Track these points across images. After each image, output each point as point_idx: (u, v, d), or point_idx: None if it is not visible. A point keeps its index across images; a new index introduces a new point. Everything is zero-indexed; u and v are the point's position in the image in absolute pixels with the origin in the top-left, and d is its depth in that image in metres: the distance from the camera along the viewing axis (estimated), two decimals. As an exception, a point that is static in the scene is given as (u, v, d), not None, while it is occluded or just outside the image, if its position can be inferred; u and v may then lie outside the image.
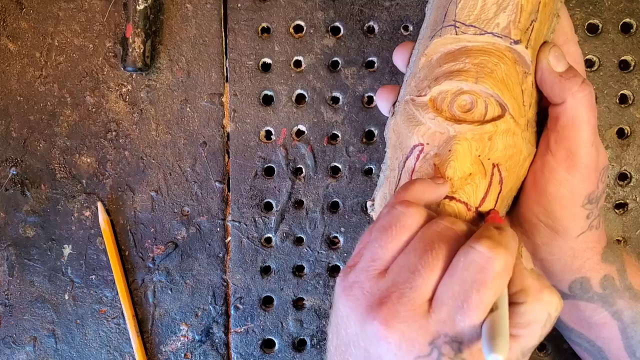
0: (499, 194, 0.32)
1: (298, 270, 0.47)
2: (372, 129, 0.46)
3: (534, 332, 0.26)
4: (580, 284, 0.35)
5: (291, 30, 0.46)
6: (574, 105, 0.31)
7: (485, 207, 0.32)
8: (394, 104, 0.36)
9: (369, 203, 0.38)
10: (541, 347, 0.45)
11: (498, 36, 0.31)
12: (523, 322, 0.26)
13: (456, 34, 0.32)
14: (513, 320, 0.25)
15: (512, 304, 0.26)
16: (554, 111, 0.32)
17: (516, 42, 0.31)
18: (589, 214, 0.33)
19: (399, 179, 0.34)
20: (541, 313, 0.26)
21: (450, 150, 0.31)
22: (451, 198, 0.31)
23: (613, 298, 0.35)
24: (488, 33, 0.31)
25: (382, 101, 0.37)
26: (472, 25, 0.31)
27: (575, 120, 0.31)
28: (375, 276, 0.26)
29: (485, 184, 0.32)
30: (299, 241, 0.47)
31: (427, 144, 0.33)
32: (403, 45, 0.37)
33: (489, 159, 0.32)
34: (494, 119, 0.32)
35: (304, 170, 0.46)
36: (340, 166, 0.46)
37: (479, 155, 0.32)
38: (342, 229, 0.46)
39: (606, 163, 0.34)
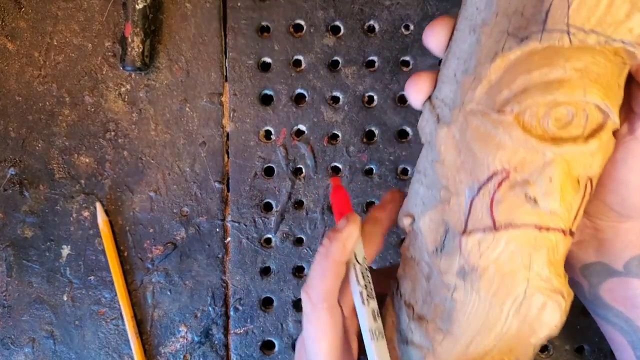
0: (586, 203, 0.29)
1: (298, 271, 0.47)
2: (373, 128, 0.46)
3: None
4: (638, 261, 0.34)
5: (291, 29, 0.46)
6: None
7: (575, 225, 0.28)
8: (429, 98, 0.31)
9: (406, 221, 0.33)
10: (543, 348, 0.45)
11: (630, 46, 0.24)
12: None
13: (570, 43, 0.24)
14: None
15: None
16: None
17: None
18: None
19: (470, 209, 0.28)
20: None
21: (551, 180, 0.26)
22: (547, 229, 0.27)
23: None
24: (617, 41, 0.24)
25: (416, 93, 0.31)
26: (593, 32, 0.24)
27: None
28: None
29: (579, 201, 0.28)
30: (299, 242, 0.46)
31: (514, 170, 0.27)
32: (440, 24, 0.29)
33: (587, 175, 0.27)
34: (595, 131, 0.26)
35: (304, 170, 0.46)
36: (340, 166, 0.46)
37: (578, 176, 0.27)
38: (343, 230, 0.46)
39: None
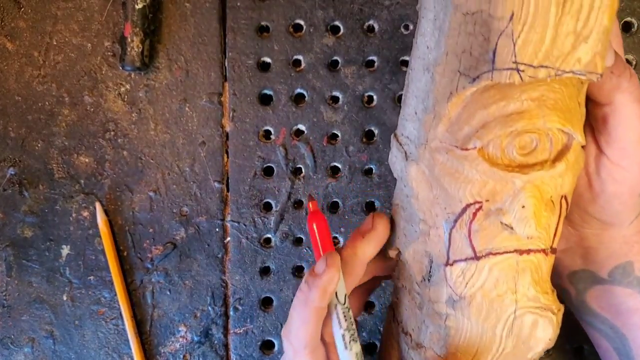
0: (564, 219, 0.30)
1: (298, 270, 0.47)
2: (372, 128, 0.46)
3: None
4: (623, 269, 0.34)
5: (290, 29, 0.46)
6: (623, 103, 0.29)
7: (555, 242, 0.29)
8: (395, 135, 0.32)
9: (392, 253, 0.33)
10: (543, 348, 0.45)
11: (581, 74, 0.24)
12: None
13: (522, 80, 0.24)
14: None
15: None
16: (601, 111, 0.30)
17: (601, 75, 0.25)
18: None
19: (450, 241, 0.29)
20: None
21: (524, 207, 0.26)
22: (527, 252, 0.28)
23: None
24: (567, 72, 0.24)
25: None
26: (542, 66, 0.24)
27: (628, 121, 0.29)
28: None
29: (556, 219, 0.28)
30: (298, 241, 0.46)
31: (487, 200, 0.27)
32: None
33: (559, 195, 0.28)
34: (561, 153, 0.27)
35: (303, 170, 0.46)
36: (340, 166, 0.46)
37: (551, 197, 0.27)
38: (342, 229, 0.46)
39: None
